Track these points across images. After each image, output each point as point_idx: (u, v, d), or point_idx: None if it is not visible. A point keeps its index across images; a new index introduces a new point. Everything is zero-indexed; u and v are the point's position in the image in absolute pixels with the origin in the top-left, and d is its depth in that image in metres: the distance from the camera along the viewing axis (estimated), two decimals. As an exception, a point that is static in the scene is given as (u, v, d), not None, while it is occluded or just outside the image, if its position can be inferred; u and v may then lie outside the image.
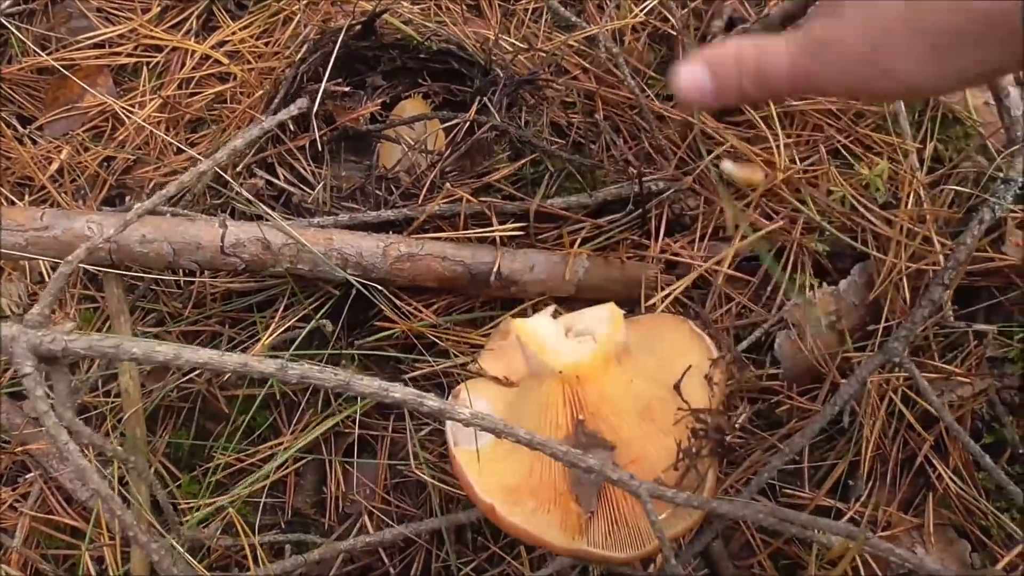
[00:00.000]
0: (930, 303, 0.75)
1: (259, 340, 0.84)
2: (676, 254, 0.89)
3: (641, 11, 0.98)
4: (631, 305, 0.88)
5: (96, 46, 1.08)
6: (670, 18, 0.97)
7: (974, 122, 0.88)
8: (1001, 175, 0.77)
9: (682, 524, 0.65)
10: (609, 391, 0.65)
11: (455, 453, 0.68)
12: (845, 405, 0.72)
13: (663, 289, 0.86)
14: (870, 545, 0.59)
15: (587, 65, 0.96)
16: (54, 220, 0.82)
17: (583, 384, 0.65)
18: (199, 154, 0.94)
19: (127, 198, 0.98)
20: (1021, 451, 0.75)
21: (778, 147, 0.91)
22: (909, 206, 0.86)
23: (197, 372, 0.85)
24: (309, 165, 0.88)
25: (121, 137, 1.01)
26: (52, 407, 0.54)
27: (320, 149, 0.85)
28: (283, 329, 0.84)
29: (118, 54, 1.07)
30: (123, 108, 1.02)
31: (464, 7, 1.00)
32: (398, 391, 0.54)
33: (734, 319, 0.86)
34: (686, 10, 0.98)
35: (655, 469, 0.62)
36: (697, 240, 0.90)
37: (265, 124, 0.71)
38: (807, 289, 0.85)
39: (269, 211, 0.82)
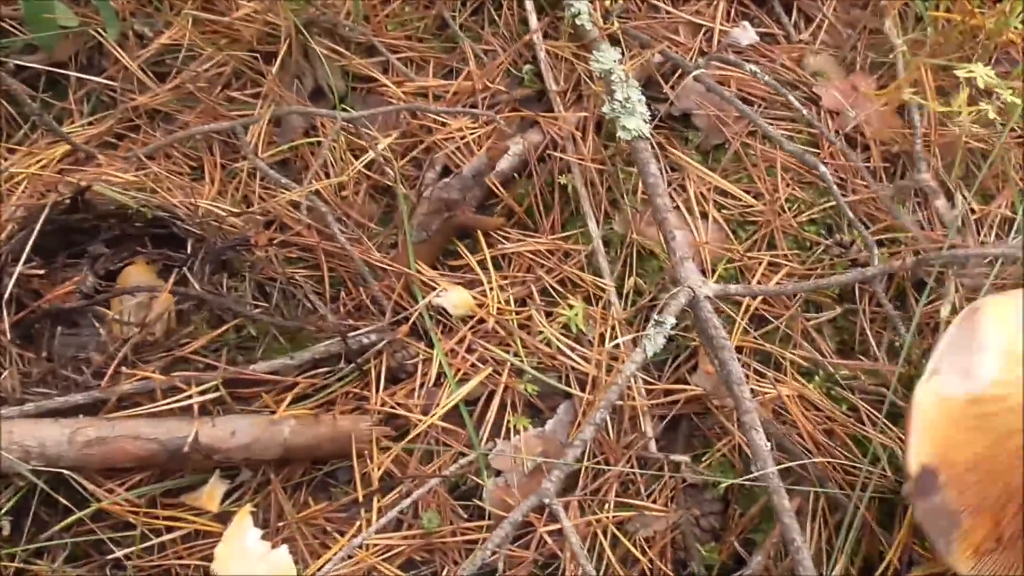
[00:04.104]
0: (582, 443, 0.77)
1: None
2: (394, 406, 0.90)
3: (360, 164, 1.01)
4: (347, 460, 0.88)
5: None
6: (388, 170, 1.00)
7: (667, 256, 0.92)
8: (657, 318, 0.81)
9: None
10: None
11: None
12: (499, 547, 0.73)
13: (379, 442, 0.87)
14: None
15: (309, 221, 0.98)
16: None
17: None
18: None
19: None
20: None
21: (491, 289, 0.94)
22: (607, 342, 0.90)
23: None
24: (11, 347, 0.86)
25: None
26: None
27: (9, 337, 0.84)
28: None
29: None
30: None
31: (188, 168, 1.01)
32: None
33: (448, 464, 0.87)
34: (402, 162, 1.02)
35: None
36: (417, 388, 0.92)
37: None
38: (513, 432, 0.87)
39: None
